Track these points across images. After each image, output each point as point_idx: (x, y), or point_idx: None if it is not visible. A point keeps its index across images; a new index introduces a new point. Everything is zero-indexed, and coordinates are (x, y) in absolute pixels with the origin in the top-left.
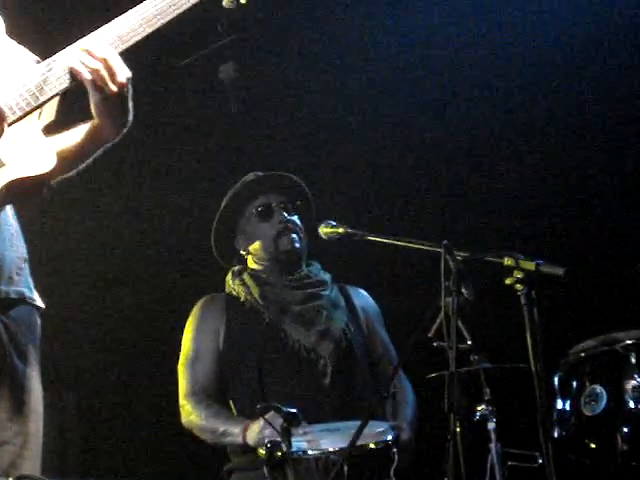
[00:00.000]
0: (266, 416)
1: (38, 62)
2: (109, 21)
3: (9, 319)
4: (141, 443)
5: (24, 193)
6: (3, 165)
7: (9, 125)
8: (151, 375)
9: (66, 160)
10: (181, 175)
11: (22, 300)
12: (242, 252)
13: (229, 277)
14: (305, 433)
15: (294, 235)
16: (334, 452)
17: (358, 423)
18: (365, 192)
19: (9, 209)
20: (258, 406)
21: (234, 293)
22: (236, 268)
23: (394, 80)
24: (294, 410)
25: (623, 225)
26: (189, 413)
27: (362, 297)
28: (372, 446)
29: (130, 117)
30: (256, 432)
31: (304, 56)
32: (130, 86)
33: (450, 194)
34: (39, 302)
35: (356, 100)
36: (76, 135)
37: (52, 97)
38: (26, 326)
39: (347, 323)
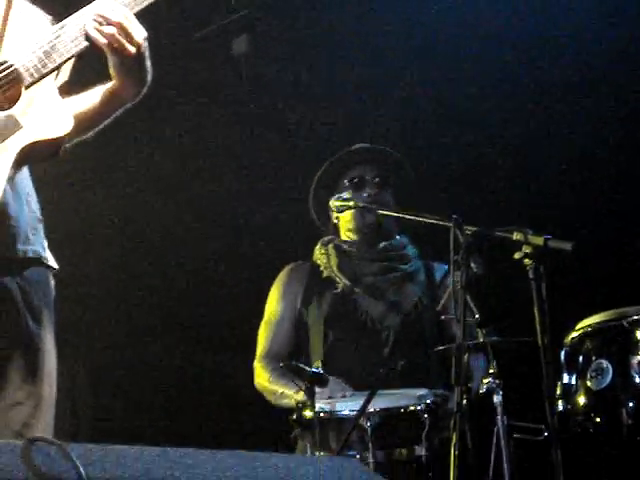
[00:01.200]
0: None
1: (53, 22)
2: None
3: (24, 281)
4: (153, 409)
5: (41, 155)
6: (20, 127)
7: (26, 88)
8: (163, 344)
9: (84, 122)
10: (194, 146)
11: (37, 260)
12: (334, 220)
13: (317, 247)
14: (344, 396)
15: (379, 211)
16: (358, 413)
17: (405, 390)
18: None
19: (25, 169)
20: (281, 364)
21: (317, 262)
22: (326, 238)
23: (405, 56)
24: (317, 370)
25: (633, 201)
26: (258, 375)
27: (446, 274)
28: (404, 408)
29: (149, 77)
30: (302, 394)
31: (317, 32)
32: (147, 45)
33: (460, 169)
34: (53, 263)
35: (365, 77)
36: (94, 97)
37: (68, 59)
38: (41, 288)
39: (420, 297)
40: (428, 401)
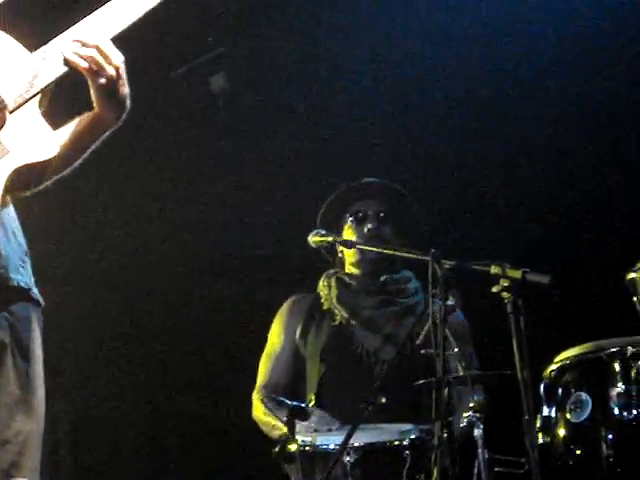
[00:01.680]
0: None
1: (31, 50)
2: (95, 8)
3: (12, 316)
4: (132, 446)
5: (27, 180)
6: (7, 152)
7: (10, 113)
8: (144, 379)
9: (64, 155)
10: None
11: (26, 294)
12: (339, 254)
13: (322, 278)
14: (330, 430)
15: (358, 246)
16: (340, 447)
17: (393, 426)
18: None
19: (10, 204)
20: (264, 400)
21: (320, 294)
22: (331, 271)
23: (383, 94)
24: (299, 404)
25: (609, 234)
26: (255, 407)
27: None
28: (387, 444)
29: (128, 101)
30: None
31: (294, 67)
32: (124, 70)
33: (438, 203)
34: (40, 299)
35: (345, 112)
36: (73, 128)
37: (50, 83)
38: (29, 324)
39: (416, 328)
40: (412, 436)
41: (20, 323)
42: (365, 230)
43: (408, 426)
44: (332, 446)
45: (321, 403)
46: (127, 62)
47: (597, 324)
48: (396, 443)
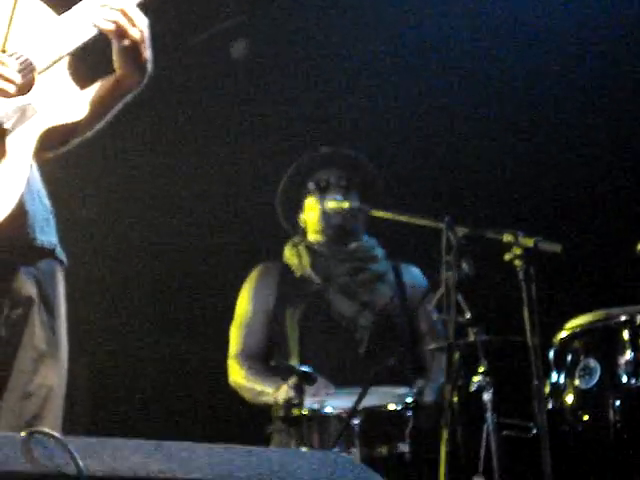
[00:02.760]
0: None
1: (58, 14)
2: None
3: (39, 272)
4: (150, 404)
5: (56, 141)
6: (36, 113)
7: (39, 74)
8: (161, 338)
9: (85, 120)
10: (190, 147)
11: (51, 252)
12: (301, 224)
13: (287, 247)
14: (327, 394)
15: (345, 214)
16: (345, 411)
17: (386, 389)
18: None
19: (35, 166)
20: (272, 363)
21: (289, 263)
22: (296, 239)
23: (397, 62)
24: (307, 369)
25: (623, 203)
26: (233, 373)
27: (412, 274)
28: (388, 407)
29: (150, 66)
30: (283, 392)
31: (315, 34)
32: (148, 33)
33: (452, 170)
34: (64, 258)
35: (361, 81)
36: (95, 90)
37: (78, 47)
38: (54, 281)
39: (392, 297)
40: (409, 400)
41: (46, 280)
42: (332, 199)
43: (403, 389)
44: (330, 410)
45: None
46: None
47: (607, 292)
48: (396, 406)
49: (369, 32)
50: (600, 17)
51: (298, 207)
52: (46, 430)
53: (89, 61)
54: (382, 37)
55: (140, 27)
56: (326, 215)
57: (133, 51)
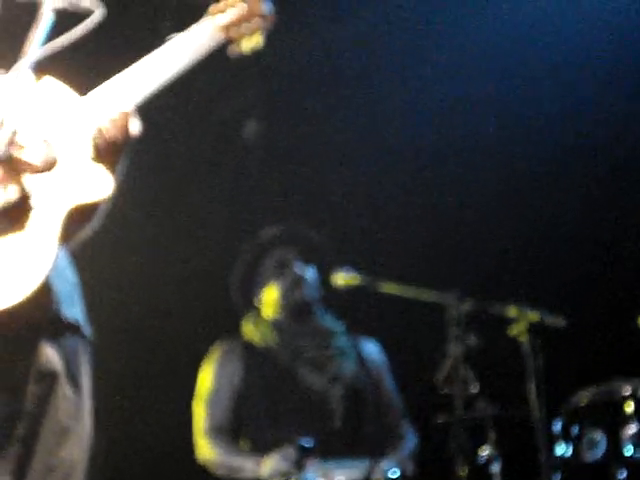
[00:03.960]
0: (281, 451)
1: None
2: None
3: (66, 348)
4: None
5: (80, 220)
6: (62, 192)
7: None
8: (178, 409)
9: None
10: (192, 222)
11: (77, 329)
12: (257, 303)
13: (247, 323)
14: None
15: (305, 290)
16: None
17: (365, 460)
18: (375, 238)
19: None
20: (219, 442)
21: (251, 339)
22: (251, 315)
23: (402, 128)
24: (309, 442)
25: (626, 275)
26: (204, 450)
27: (371, 349)
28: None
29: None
30: (271, 466)
31: (326, 108)
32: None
33: (457, 241)
34: (89, 333)
35: (366, 151)
36: None
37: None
38: (79, 355)
39: (356, 372)
40: (397, 474)
41: (71, 355)
42: (289, 275)
43: (388, 463)
44: None
45: (281, 445)
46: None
47: (612, 365)
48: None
49: (372, 104)
50: None
51: (254, 286)
52: None
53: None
54: (386, 107)
55: (133, 133)
56: (288, 291)
57: (113, 150)
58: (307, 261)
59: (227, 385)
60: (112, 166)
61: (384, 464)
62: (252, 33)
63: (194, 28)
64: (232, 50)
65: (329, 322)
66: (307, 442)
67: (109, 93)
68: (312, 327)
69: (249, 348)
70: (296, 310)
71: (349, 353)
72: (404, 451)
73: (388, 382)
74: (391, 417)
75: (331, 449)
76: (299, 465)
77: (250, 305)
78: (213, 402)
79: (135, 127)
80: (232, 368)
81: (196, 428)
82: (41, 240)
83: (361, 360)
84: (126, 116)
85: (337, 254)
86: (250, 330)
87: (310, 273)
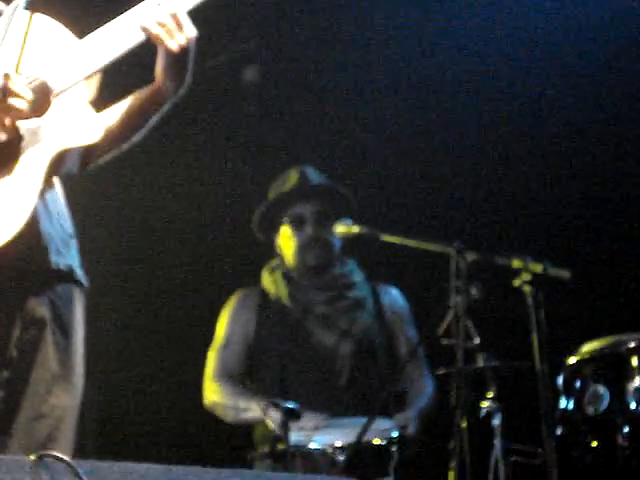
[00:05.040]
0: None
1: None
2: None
3: (55, 295)
4: (159, 428)
5: (70, 165)
6: (51, 136)
7: (54, 97)
8: (171, 363)
9: (121, 129)
10: (205, 172)
11: (69, 275)
12: (277, 249)
13: (265, 273)
14: (316, 427)
15: (319, 250)
16: (333, 447)
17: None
18: (377, 191)
19: (57, 187)
20: (261, 403)
21: (267, 289)
22: (273, 264)
23: (407, 83)
24: (292, 405)
25: (633, 228)
26: (211, 392)
27: (391, 296)
28: (373, 442)
29: (189, 77)
30: (277, 421)
31: (324, 56)
32: (194, 45)
33: (460, 194)
34: (84, 280)
35: (371, 102)
36: (128, 104)
37: (95, 71)
38: (71, 303)
39: (371, 323)
40: (394, 434)
41: (62, 300)
42: (304, 234)
43: (386, 422)
44: (317, 446)
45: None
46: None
47: (616, 318)
48: (380, 442)
49: (376, 57)
50: None
51: (274, 231)
52: (55, 454)
53: (111, 88)
54: (387, 64)
55: (188, 35)
56: (302, 251)
57: (176, 58)
58: (325, 218)
59: (240, 333)
60: (179, 72)
61: (382, 424)
62: None
63: None
64: None
65: (347, 273)
66: (291, 404)
67: (109, 37)
68: (326, 281)
69: (264, 298)
70: (310, 269)
71: (366, 303)
72: (413, 409)
73: (408, 330)
74: (408, 370)
75: (335, 407)
76: (283, 425)
77: (272, 248)
78: (225, 347)
79: (190, 27)
80: (247, 316)
81: (206, 373)
82: (23, 183)
83: (379, 310)
84: (176, 16)
85: (358, 208)
86: (266, 281)
87: (324, 232)
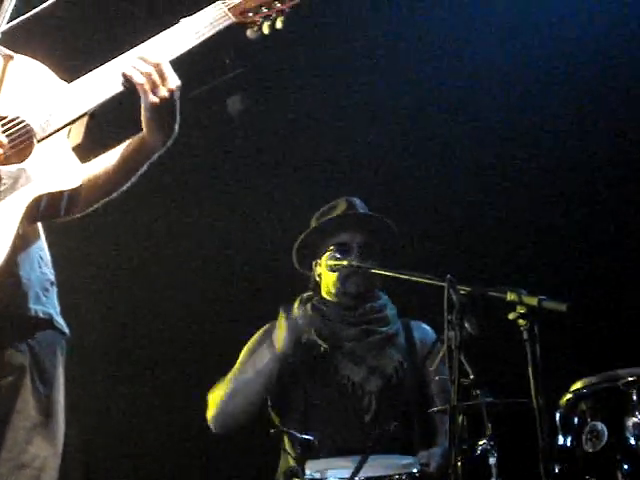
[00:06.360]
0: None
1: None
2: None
3: (35, 342)
4: (146, 470)
5: (51, 210)
6: (31, 181)
7: (38, 142)
8: (157, 408)
9: (111, 179)
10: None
11: (48, 323)
12: (317, 279)
13: (296, 305)
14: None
15: (361, 279)
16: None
17: (391, 459)
18: None
19: (40, 232)
20: (272, 431)
21: (297, 319)
22: (305, 295)
23: (395, 112)
24: (309, 437)
25: (628, 262)
26: (218, 390)
27: (424, 332)
28: (392, 477)
29: (176, 127)
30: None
31: (310, 88)
32: (179, 95)
33: (455, 227)
34: (64, 328)
35: (361, 133)
36: (119, 153)
37: (81, 116)
38: (52, 350)
39: (401, 360)
40: (414, 470)
41: (41, 347)
42: (348, 262)
43: (408, 459)
44: None
45: (309, 435)
46: None
47: (614, 353)
48: (401, 477)
49: (367, 82)
50: None
51: (314, 257)
52: None
53: (99, 134)
54: (379, 90)
55: (171, 87)
56: (344, 279)
57: (160, 110)
58: (370, 249)
59: (263, 370)
60: (164, 125)
61: (404, 459)
62: (273, 17)
63: (205, 11)
64: (251, 33)
65: (380, 307)
66: (308, 437)
67: (100, 80)
68: (357, 316)
69: (294, 327)
70: (349, 298)
71: (397, 340)
72: (438, 448)
73: (440, 367)
74: (436, 406)
75: (359, 444)
76: (299, 459)
77: (310, 279)
78: (240, 373)
79: (173, 78)
80: (271, 350)
81: (214, 396)
82: (1, 228)
83: (411, 345)
84: (159, 66)
85: (400, 237)
86: (295, 312)
87: (369, 263)
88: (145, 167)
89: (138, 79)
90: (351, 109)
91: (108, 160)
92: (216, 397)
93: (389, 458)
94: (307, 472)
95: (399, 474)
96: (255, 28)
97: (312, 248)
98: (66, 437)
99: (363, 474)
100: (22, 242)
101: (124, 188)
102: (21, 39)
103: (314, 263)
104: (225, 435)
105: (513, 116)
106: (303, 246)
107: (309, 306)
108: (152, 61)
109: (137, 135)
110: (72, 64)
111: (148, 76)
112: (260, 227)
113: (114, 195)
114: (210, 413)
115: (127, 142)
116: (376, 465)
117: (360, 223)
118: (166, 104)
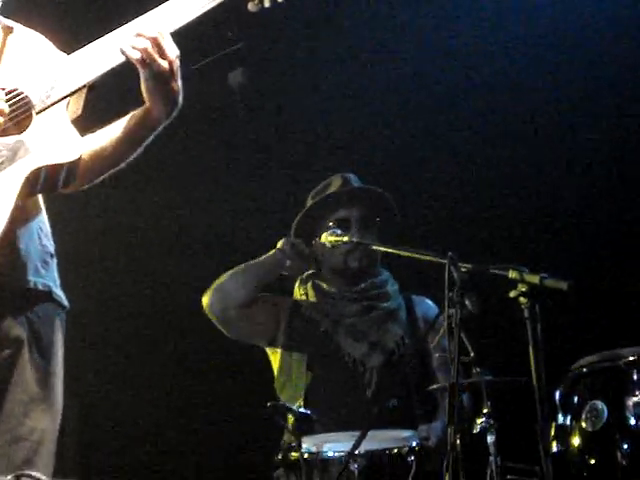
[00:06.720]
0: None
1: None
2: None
3: (34, 315)
4: (141, 447)
5: (50, 182)
6: (30, 153)
7: (37, 114)
8: (154, 382)
9: (115, 152)
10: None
11: (47, 295)
12: (318, 257)
13: (297, 283)
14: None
15: (363, 254)
16: (345, 454)
17: (391, 432)
18: None
19: (41, 205)
20: (268, 404)
21: (298, 300)
22: (305, 275)
23: (402, 87)
24: (306, 411)
25: (631, 240)
26: (212, 286)
27: (426, 307)
28: (391, 451)
29: (180, 97)
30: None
31: (313, 61)
32: (179, 65)
33: (456, 205)
34: (64, 301)
35: (363, 109)
36: (123, 124)
37: (79, 88)
38: (51, 323)
39: (403, 335)
40: (414, 443)
41: (40, 320)
42: (349, 238)
43: (408, 432)
44: (332, 453)
45: (310, 410)
46: None
47: (615, 332)
48: (399, 450)
49: (370, 60)
50: None
51: (312, 236)
52: (34, 474)
53: (99, 105)
54: (381, 69)
55: (170, 58)
56: (345, 254)
57: (161, 82)
58: (370, 223)
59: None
60: (167, 96)
61: (403, 433)
62: None
63: None
64: (252, 6)
65: (381, 283)
66: (304, 410)
67: (100, 52)
68: (360, 291)
69: (295, 308)
70: (349, 276)
71: (399, 315)
72: (438, 422)
73: (442, 342)
74: (439, 382)
75: (361, 419)
76: (296, 432)
77: (311, 256)
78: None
79: (172, 48)
80: (279, 311)
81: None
82: (0, 197)
83: (413, 321)
84: (156, 40)
85: (400, 214)
86: (296, 290)
87: (369, 236)
88: (151, 138)
89: (134, 55)
90: (352, 85)
91: (114, 131)
92: (213, 284)
93: (389, 432)
94: (304, 446)
95: (398, 447)
96: (256, 1)
97: (310, 226)
98: (65, 410)
99: (364, 447)
100: (21, 214)
101: (131, 159)
102: (21, 10)
103: (313, 241)
104: (220, 320)
105: (514, 93)
106: (301, 225)
107: (310, 285)
108: (148, 35)
109: (140, 108)
110: (72, 35)
111: (144, 51)
112: (264, 205)
113: (122, 165)
114: (207, 295)
115: (132, 113)
116: (376, 439)
117: (357, 197)
118: (166, 75)
